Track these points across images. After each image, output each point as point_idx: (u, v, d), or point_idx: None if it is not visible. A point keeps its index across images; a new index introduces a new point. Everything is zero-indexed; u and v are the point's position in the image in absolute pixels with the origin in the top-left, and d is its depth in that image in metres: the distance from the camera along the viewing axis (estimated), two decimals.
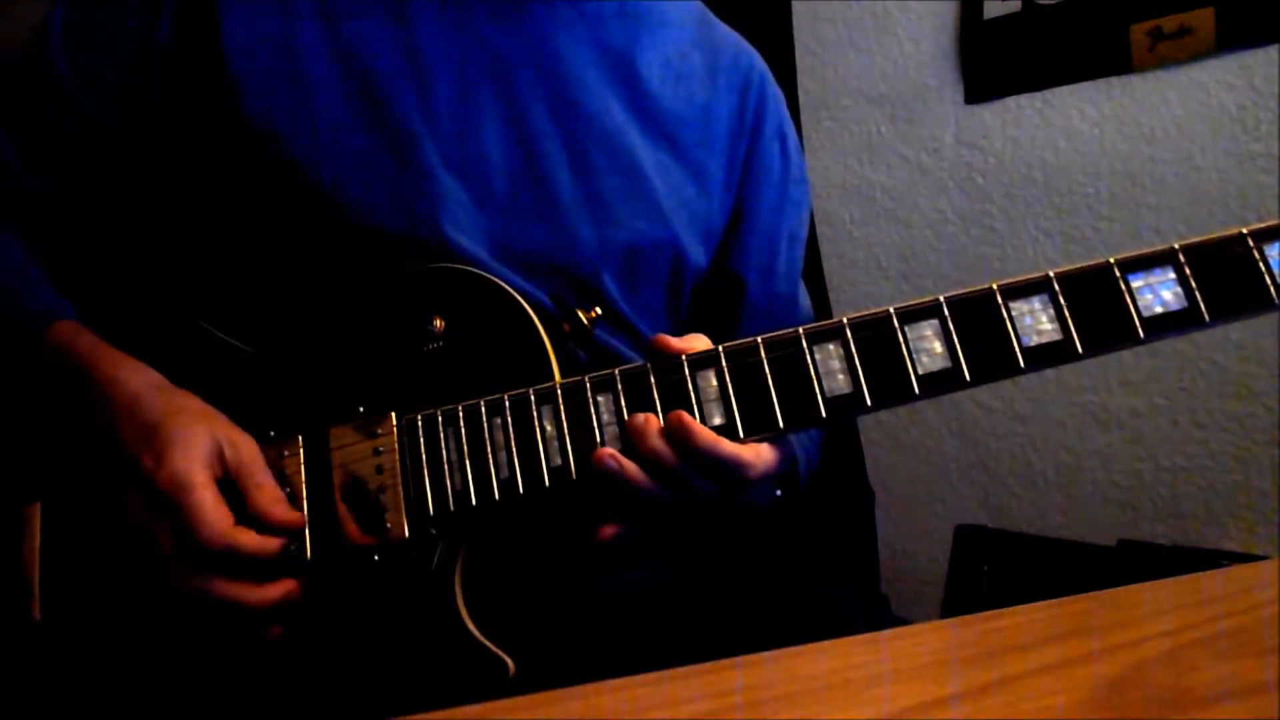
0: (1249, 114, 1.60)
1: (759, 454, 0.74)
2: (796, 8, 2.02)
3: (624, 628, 0.86)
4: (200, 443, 0.74)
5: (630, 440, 0.73)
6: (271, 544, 0.74)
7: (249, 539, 0.73)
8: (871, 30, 1.94)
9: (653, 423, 0.72)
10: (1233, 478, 1.63)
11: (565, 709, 0.46)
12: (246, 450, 0.76)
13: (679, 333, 0.76)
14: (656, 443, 0.72)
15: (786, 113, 1.05)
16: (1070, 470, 1.77)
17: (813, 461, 0.95)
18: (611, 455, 0.72)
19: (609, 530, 0.74)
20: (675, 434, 0.71)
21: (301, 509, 0.77)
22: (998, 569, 1.80)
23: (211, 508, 0.72)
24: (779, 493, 0.85)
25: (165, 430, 0.73)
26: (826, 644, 0.50)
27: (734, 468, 0.72)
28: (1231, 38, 1.58)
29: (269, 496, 0.75)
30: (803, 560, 1.01)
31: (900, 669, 0.49)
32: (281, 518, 0.75)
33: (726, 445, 0.72)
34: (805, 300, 1.07)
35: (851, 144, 1.98)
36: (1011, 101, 1.80)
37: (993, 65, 1.81)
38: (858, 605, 0.95)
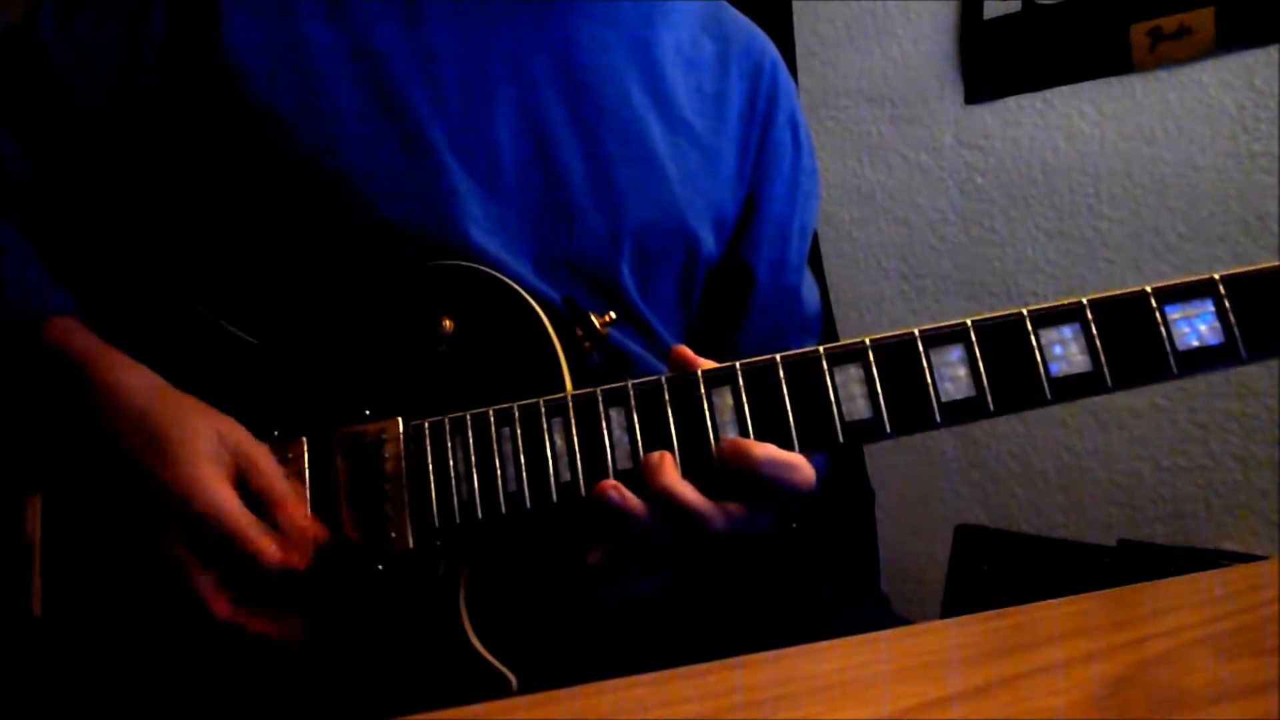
0: (1249, 114, 1.59)
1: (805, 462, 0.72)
2: (796, 7, 2.02)
3: (627, 636, 0.85)
4: (205, 440, 0.72)
5: (643, 476, 0.71)
6: (295, 558, 0.72)
7: (273, 551, 0.71)
8: (871, 30, 1.94)
9: (668, 460, 0.71)
10: (1233, 478, 1.62)
11: (565, 709, 0.46)
12: (260, 456, 0.74)
13: (691, 326, 0.73)
14: (669, 481, 0.70)
15: (798, 103, 1.04)
16: (1070, 470, 1.77)
17: (822, 468, 0.95)
18: (614, 487, 0.70)
19: (594, 557, 0.73)
20: (732, 460, 0.69)
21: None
22: (998, 569, 1.79)
23: (238, 512, 0.71)
24: (794, 525, 0.83)
25: (173, 434, 0.72)
26: (826, 644, 0.50)
27: (787, 473, 0.70)
28: (1231, 38, 1.58)
29: (293, 509, 0.73)
30: (804, 563, 1.01)
31: (900, 669, 0.49)
32: (309, 531, 0.73)
33: (782, 453, 0.70)
34: (812, 292, 1.05)
35: (851, 144, 1.98)
36: (1011, 101, 1.80)
37: (993, 65, 1.81)
38: (858, 605, 0.94)
